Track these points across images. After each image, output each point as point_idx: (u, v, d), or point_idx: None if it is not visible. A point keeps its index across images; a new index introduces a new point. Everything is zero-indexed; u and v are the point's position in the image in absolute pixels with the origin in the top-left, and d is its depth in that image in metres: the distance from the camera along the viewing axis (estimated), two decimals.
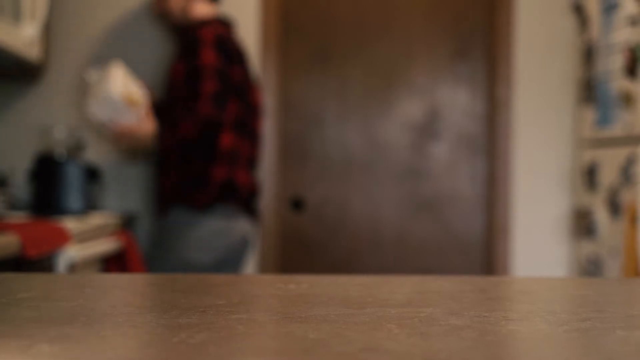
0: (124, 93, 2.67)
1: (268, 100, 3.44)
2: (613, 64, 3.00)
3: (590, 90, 3.24)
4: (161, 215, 2.87)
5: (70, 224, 2.39)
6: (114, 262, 2.78)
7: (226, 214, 2.81)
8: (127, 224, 3.07)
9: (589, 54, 3.26)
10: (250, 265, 3.43)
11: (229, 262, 2.86)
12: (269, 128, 3.44)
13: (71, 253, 2.28)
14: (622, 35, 2.91)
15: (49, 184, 2.78)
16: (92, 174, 2.94)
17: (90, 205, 2.90)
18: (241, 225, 2.85)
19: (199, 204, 2.77)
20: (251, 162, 2.92)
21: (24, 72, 3.12)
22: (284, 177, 3.51)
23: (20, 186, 3.15)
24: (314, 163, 3.51)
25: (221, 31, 2.83)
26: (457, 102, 3.54)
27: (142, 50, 3.28)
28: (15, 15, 2.61)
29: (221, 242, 2.80)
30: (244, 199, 2.86)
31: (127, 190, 3.27)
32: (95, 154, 3.23)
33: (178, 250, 2.76)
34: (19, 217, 2.60)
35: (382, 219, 3.54)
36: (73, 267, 2.33)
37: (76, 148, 3.11)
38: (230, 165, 2.79)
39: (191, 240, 2.76)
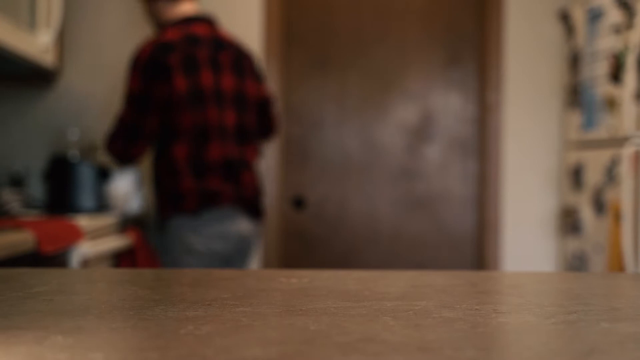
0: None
1: None
2: (598, 70, 3.00)
3: (576, 95, 3.24)
4: (161, 226, 2.78)
5: (83, 222, 2.39)
6: (124, 258, 2.78)
7: (223, 218, 2.71)
8: (137, 221, 3.07)
9: (575, 61, 3.26)
10: (254, 261, 3.43)
11: (229, 265, 2.78)
12: None
13: (84, 249, 2.28)
14: (607, 43, 2.91)
15: (62, 184, 2.78)
16: (103, 174, 2.94)
17: (101, 204, 2.89)
18: (239, 227, 2.74)
19: (189, 211, 2.67)
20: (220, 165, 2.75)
21: (39, 77, 3.12)
22: (286, 178, 3.51)
23: (36, 186, 3.15)
24: (314, 164, 3.51)
25: (188, 50, 2.71)
26: (450, 106, 3.54)
27: None
28: (31, 23, 2.61)
29: (219, 246, 2.71)
30: (245, 202, 2.76)
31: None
32: (106, 154, 3.23)
33: (179, 258, 2.68)
34: (34, 215, 2.60)
35: (379, 216, 3.54)
36: (86, 263, 2.33)
37: (88, 149, 3.11)
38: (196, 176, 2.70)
39: (191, 248, 2.68)
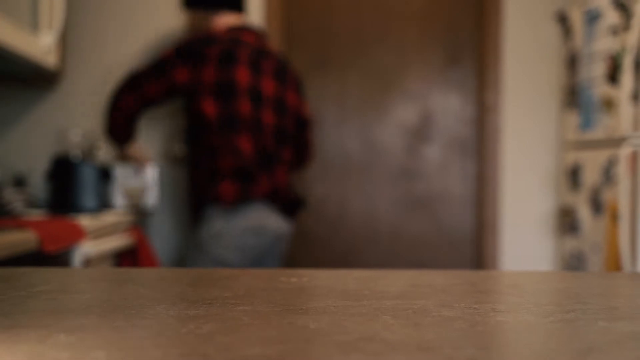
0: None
1: None
2: (595, 71, 3.00)
3: (573, 96, 3.24)
4: (196, 215, 2.83)
5: (85, 221, 2.39)
6: (126, 257, 2.78)
7: (258, 213, 2.74)
8: (138, 221, 3.07)
9: (572, 62, 3.26)
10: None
11: (263, 261, 2.79)
12: None
13: (86, 248, 2.28)
14: (604, 44, 2.91)
15: (65, 184, 2.78)
16: (105, 174, 2.94)
17: (103, 204, 2.89)
18: (273, 224, 2.77)
19: (224, 201, 2.72)
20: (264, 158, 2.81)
21: (42, 78, 3.12)
22: None
23: (38, 186, 3.15)
24: (314, 164, 3.51)
25: (229, 46, 2.80)
26: (449, 107, 3.54)
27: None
28: (34, 25, 2.61)
29: (251, 241, 2.73)
30: (279, 198, 2.80)
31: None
32: (108, 155, 3.23)
33: (213, 250, 2.71)
34: (37, 215, 2.60)
35: (379, 216, 3.54)
36: (88, 262, 2.33)
37: (90, 150, 3.11)
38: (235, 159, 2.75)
39: (224, 240, 2.70)
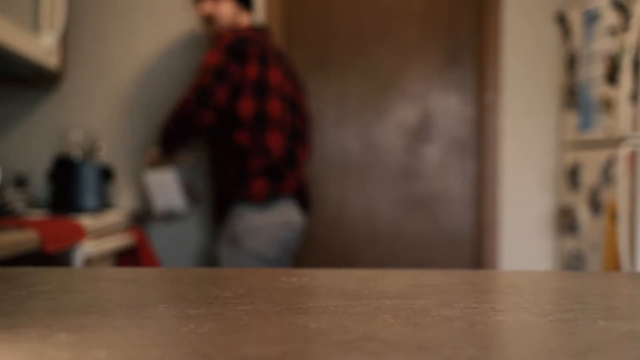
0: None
1: None
2: (594, 71, 3.00)
3: (572, 96, 3.24)
4: (223, 213, 2.88)
5: (86, 221, 2.39)
6: (127, 257, 2.78)
7: (287, 208, 2.83)
8: (139, 220, 3.07)
9: (571, 62, 3.26)
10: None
11: (287, 253, 2.88)
12: None
13: (87, 248, 2.28)
14: (603, 45, 2.91)
15: (66, 184, 2.78)
16: (106, 174, 2.94)
17: (104, 204, 2.89)
18: (298, 219, 2.88)
19: (256, 200, 2.78)
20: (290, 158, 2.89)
21: (43, 79, 3.12)
22: None
23: (40, 186, 3.15)
24: (314, 164, 3.51)
25: (262, 46, 2.86)
26: (448, 107, 3.54)
27: (156, 58, 3.28)
28: (35, 25, 2.61)
29: (284, 235, 2.82)
30: (302, 195, 2.91)
31: (139, 189, 3.27)
32: (109, 155, 3.23)
33: (249, 244, 2.77)
34: (38, 215, 2.60)
35: (379, 216, 3.54)
36: (89, 262, 2.33)
37: (91, 150, 3.11)
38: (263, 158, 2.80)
39: (261, 234, 2.77)
